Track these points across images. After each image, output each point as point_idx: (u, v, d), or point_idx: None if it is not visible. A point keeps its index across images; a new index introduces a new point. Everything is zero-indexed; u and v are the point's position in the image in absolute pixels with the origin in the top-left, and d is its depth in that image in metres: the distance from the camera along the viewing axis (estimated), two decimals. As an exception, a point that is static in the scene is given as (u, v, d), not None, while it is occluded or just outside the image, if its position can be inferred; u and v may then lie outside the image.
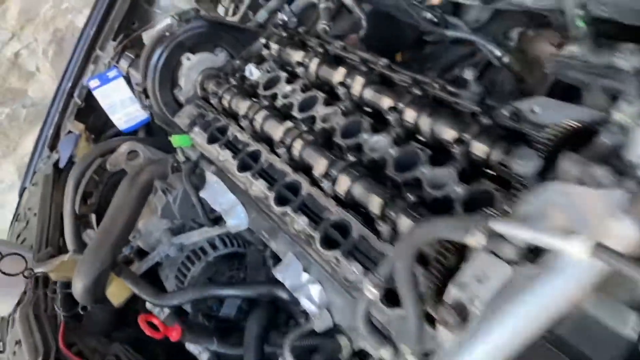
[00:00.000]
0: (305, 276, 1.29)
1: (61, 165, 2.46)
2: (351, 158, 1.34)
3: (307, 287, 1.26)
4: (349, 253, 1.21)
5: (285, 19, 2.22)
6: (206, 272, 2.07)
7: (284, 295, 1.61)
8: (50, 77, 3.62)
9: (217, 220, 1.90)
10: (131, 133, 2.66)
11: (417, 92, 1.37)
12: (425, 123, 1.29)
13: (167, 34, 1.85)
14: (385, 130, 1.41)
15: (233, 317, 2.10)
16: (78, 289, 1.77)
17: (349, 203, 1.32)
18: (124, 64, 2.37)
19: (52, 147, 2.66)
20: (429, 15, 2.31)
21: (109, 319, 2.03)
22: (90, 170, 2.01)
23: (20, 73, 3.45)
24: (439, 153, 1.27)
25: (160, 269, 2.05)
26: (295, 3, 2.21)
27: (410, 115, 1.34)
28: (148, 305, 1.83)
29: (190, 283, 2.05)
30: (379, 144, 1.40)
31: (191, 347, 1.76)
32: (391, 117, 1.37)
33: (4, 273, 1.95)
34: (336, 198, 1.33)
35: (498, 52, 1.86)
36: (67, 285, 1.90)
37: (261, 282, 1.73)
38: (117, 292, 1.81)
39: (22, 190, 2.74)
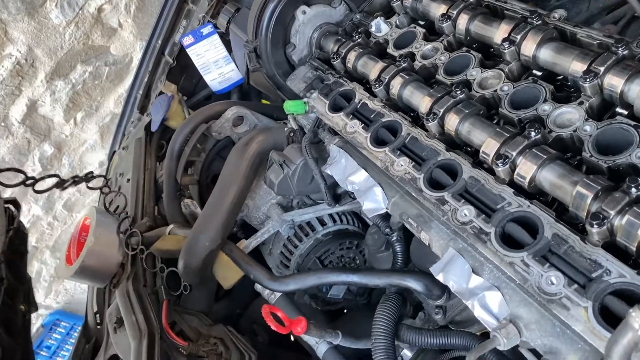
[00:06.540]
0: (476, 280, 1.06)
1: (153, 128, 2.30)
2: (534, 135, 1.08)
3: (482, 295, 1.03)
4: (543, 257, 0.98)
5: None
6: (315, 251, 1.89)
7: (417, 287, 1.40)
8: (132, 34, 3.47)
9: (337, 197, 1.71)
10: (224, 95, 2.48)
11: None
12: None
13: (282, -17, 1.60)
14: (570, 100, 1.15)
15: (341, 298, 1.96)
16: (186, 268, 1.62)
17: (533, 193, 1.08)
18: (223, 19, 2.15)
19: (142, 109, 2.51)
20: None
21: (209, 296, 1.89)
22: (193, 139, 1.82)
23: (103, 29, 3.31)
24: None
25: (263, 244, 1.89)
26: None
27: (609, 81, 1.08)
28: (257, 286, 1.67)
29: (297, 262, 1.89)
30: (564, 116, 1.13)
31: (306, 336, 1.58)
32: (587, 85, 1.10)
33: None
34: (522, 191, 1.09)
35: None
36: (170, 261, 1.75)
37: (390, 271, 1.52)
38: (227, 273, 1.64)
39: (112, 154, 2.62)
